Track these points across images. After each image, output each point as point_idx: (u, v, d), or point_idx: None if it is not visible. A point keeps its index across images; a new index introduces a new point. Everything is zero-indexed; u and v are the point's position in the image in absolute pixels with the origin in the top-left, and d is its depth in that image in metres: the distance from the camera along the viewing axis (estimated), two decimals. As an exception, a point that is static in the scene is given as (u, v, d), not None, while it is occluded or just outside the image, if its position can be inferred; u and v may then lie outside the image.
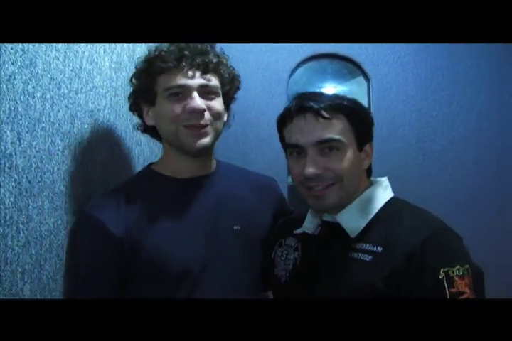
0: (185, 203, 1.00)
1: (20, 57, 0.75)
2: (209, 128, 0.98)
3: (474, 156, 2.11)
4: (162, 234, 0.96)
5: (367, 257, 0.85)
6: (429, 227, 0.85)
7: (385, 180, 0.97)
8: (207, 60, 0.98)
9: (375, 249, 0.85)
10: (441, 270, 0.79)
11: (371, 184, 0.96)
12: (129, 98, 1.06)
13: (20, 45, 0.76)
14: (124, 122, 1.28)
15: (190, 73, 0.96)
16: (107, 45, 1.15)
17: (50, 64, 0.86)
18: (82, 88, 1.00)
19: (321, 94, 0.94)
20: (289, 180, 1.94)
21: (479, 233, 1.92)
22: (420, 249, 0.81)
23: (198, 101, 0.95)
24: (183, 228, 0.97)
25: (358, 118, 0.91)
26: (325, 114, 0.87)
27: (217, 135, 1.02)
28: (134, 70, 1.05)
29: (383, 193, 0.95)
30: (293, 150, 0.92)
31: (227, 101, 1.07)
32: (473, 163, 2.11)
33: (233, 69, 1.06)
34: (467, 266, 0.81)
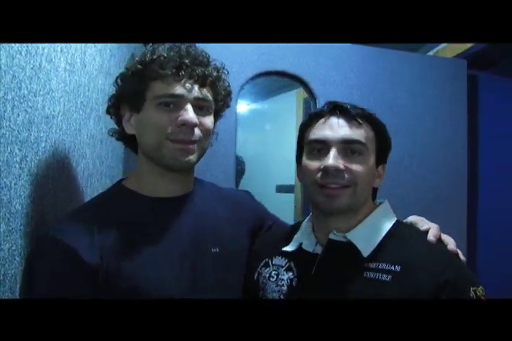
0: (163, 225, 0.90)
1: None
2: (196, 145, 0.90)
3: (421, 183, 2.16)
4: (140, 258, 0.85)
5: (385, 277, 0.82)
6: (446, 250, 0.87)
7: (387, 203, 0.97)
8: (206, 73, 0.90)
9: (393, 268, 0.82)
10: (471, 289, 0.80)
11: (375, 206, 0.95)
12: (109, 100, 0.96)
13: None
14: (74, 132, 1.14)
15: (187, 84, 0.88)
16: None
17: (13, 59, 0.72)
18: (40, 90, 0.86)
19: (353, 105, 0.94)
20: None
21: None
22: (449, 272, 0.80)
23: (191, 114, 0.87)
24: (162, 252, 0.87)
25: (382, 135, 0.93)
26: (359, 120, 0.89)
27: (202, 153, 0.94)
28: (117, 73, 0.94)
29: (390, 214, 0.95)
30: (315, 146, 0.90)
31: (216, 119, 0.99)
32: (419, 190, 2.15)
33: (229, 85, 1.00)
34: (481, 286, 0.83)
